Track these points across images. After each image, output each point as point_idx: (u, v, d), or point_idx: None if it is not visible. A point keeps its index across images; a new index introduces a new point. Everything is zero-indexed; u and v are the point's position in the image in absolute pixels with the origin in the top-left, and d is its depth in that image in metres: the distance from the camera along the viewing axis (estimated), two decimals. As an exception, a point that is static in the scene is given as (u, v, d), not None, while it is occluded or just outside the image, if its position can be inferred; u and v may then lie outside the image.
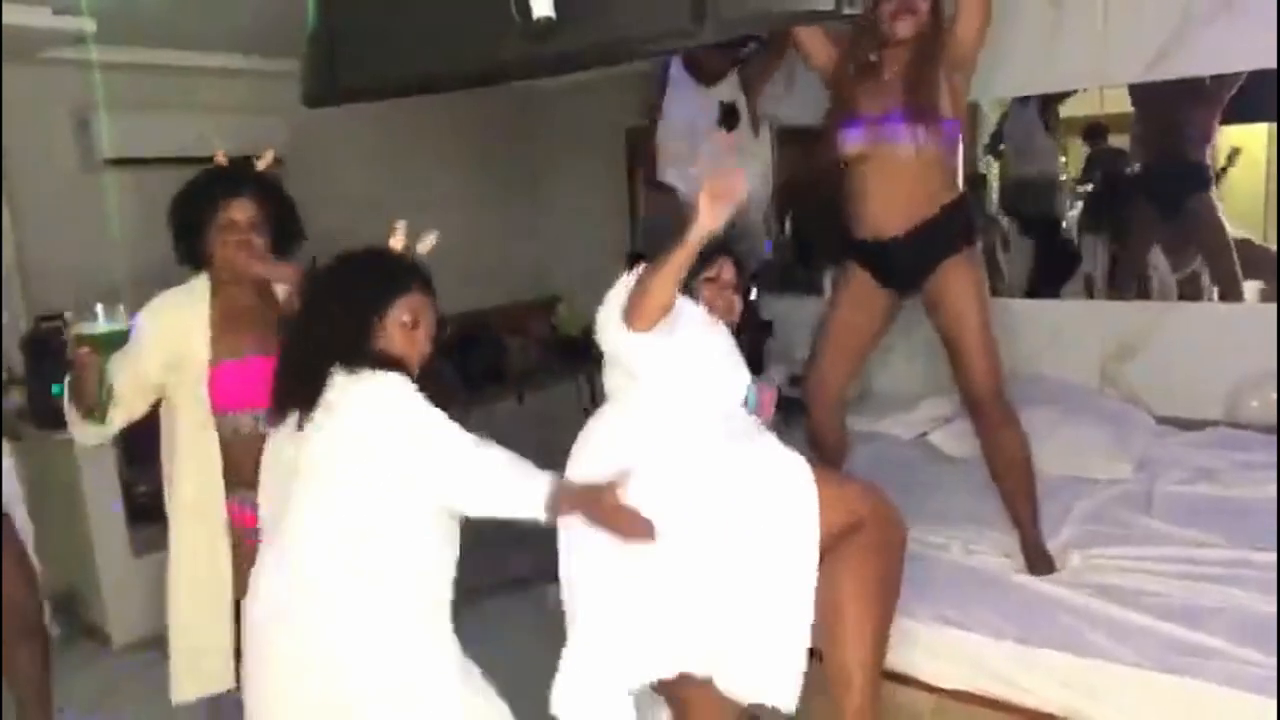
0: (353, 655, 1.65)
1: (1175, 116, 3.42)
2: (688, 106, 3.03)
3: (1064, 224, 3.83)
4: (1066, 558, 2.40)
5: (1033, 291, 3.80)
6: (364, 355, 1.72)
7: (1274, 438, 2.87)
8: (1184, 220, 3.51)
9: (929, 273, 2.41)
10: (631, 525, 1.73)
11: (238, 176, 2.11)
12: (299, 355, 1.77)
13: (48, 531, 3.32)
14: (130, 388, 2.02)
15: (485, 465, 1.70)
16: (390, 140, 4.72)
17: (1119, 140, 3.66)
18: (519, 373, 5.07)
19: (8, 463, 2.50)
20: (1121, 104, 3.55)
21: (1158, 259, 3.56)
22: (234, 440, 2.05)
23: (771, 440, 2.00)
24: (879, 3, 2.30)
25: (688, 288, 2.09)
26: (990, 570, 2.38)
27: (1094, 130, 3.70)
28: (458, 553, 1.85)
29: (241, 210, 2.06)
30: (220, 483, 2.05)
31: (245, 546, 2.03)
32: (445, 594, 1.82)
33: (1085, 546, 2.43)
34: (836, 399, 2.69)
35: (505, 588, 3.66)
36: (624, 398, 2.05)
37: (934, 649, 2.12)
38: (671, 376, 1.99)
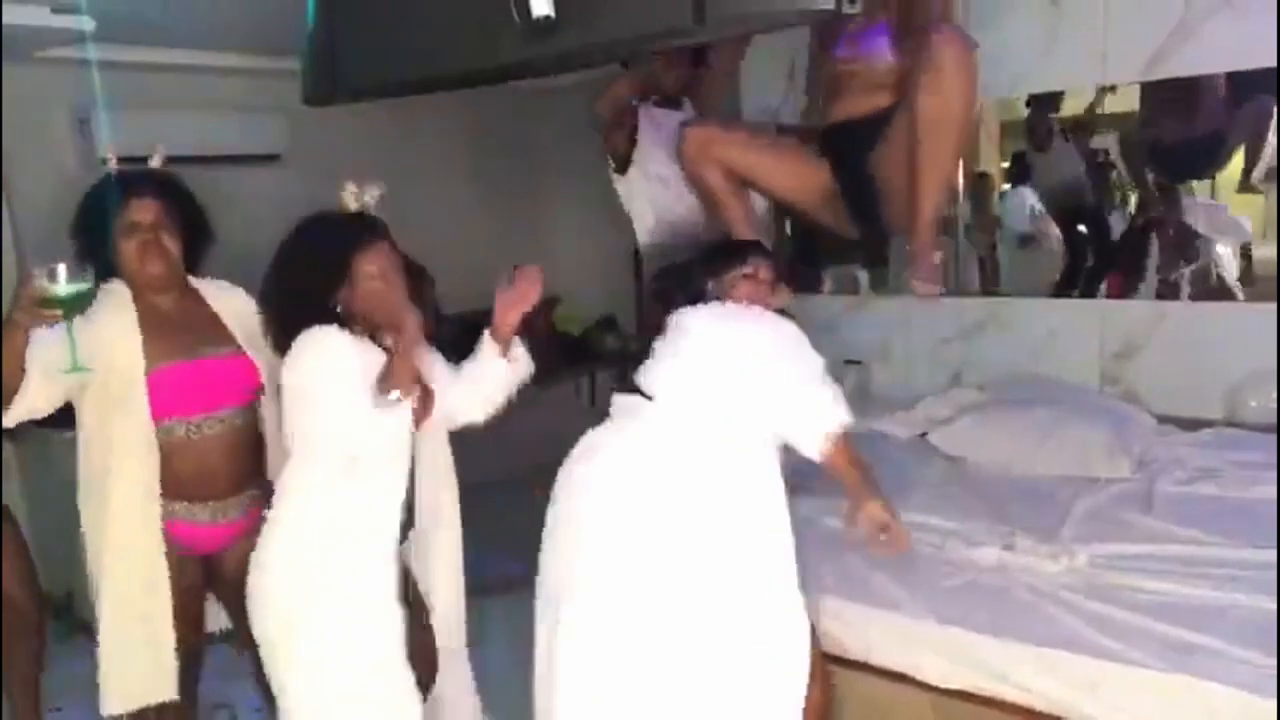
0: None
1: (1178, 114, 3.42)
2: (661, 130, 3.08)
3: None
4: (1067, 556, 2.39)
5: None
6: (330, 315, 1.86)
7: (1274, 437, 2.87)
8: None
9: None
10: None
11: (136, 177, 2.03)
12: (271, 326, 1.92)
13: (48, 530, 3.33)
14: (42, 379, 1.89)
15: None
16: (390, 140, 4.72)
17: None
18: (518, 372, 5.06)
19: None
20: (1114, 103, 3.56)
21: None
22: (169, 448, 1.99)
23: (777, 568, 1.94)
24: None
25: (719, 285, 2.10)
26: (990, 568, 2.37)
27: (1078, 129, 3.71)
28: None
29: (143, 211, 1.97)
30: (157, 493, 1.98)
31: (179, 560, 2.03)
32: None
33: (1085, 545, 2.42)
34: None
35: (505, 588, 3.66)
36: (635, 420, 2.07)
37: (934, 648, 2.12)
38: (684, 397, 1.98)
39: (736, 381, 1.91)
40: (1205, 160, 3.42)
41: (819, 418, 1.89)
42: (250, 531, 2.01)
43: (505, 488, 4.93)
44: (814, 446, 1.89)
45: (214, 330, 2.09)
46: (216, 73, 3.92)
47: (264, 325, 1.96)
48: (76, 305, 1.77)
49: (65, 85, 3.49)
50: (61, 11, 2.92)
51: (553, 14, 1.67)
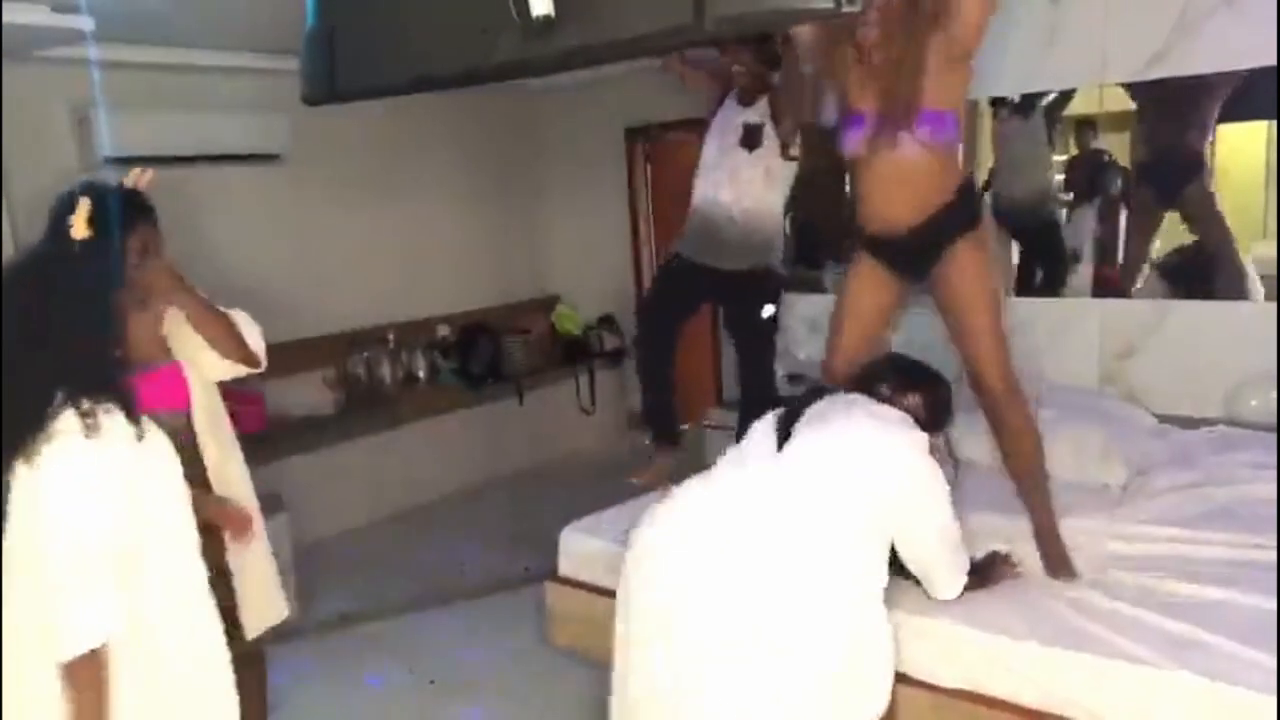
0: None
1: (1176, 113, 3.42)
2: (724, 123, 3.31)
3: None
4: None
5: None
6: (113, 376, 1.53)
7: (1274, 437, 2.87)
8: (1183, 215, 3.52)
9: (937, 259, 2.40)
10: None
11: (145, 202, 2.04)
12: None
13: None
14: None
15: None
16: (389, 139, 4.72)
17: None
18: (519, 372, 5.07)
19: None
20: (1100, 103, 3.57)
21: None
22: None
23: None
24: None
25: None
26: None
27: (1081, 129, 3.72)
28: None
29: (152, 236, 2.02)
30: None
31: None
32: None
33: (1086, 546, 2.42)
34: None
35: (505, 588, 3.67)
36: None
37: (934, 647, 2.12)
38: None
39: (888, 516, 2.01)
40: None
41: (941, 586, 2.13)
42: None
43: (504, 487, 4.95)
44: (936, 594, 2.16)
45: (157, 341, 2.10)
46: (216, 73, 3.93)
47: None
48: None
49: (65, 85, 3.49)
50: (61, 11, 2.92)
51: (552, 14, 1.67)
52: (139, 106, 3.68)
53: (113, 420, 1.48)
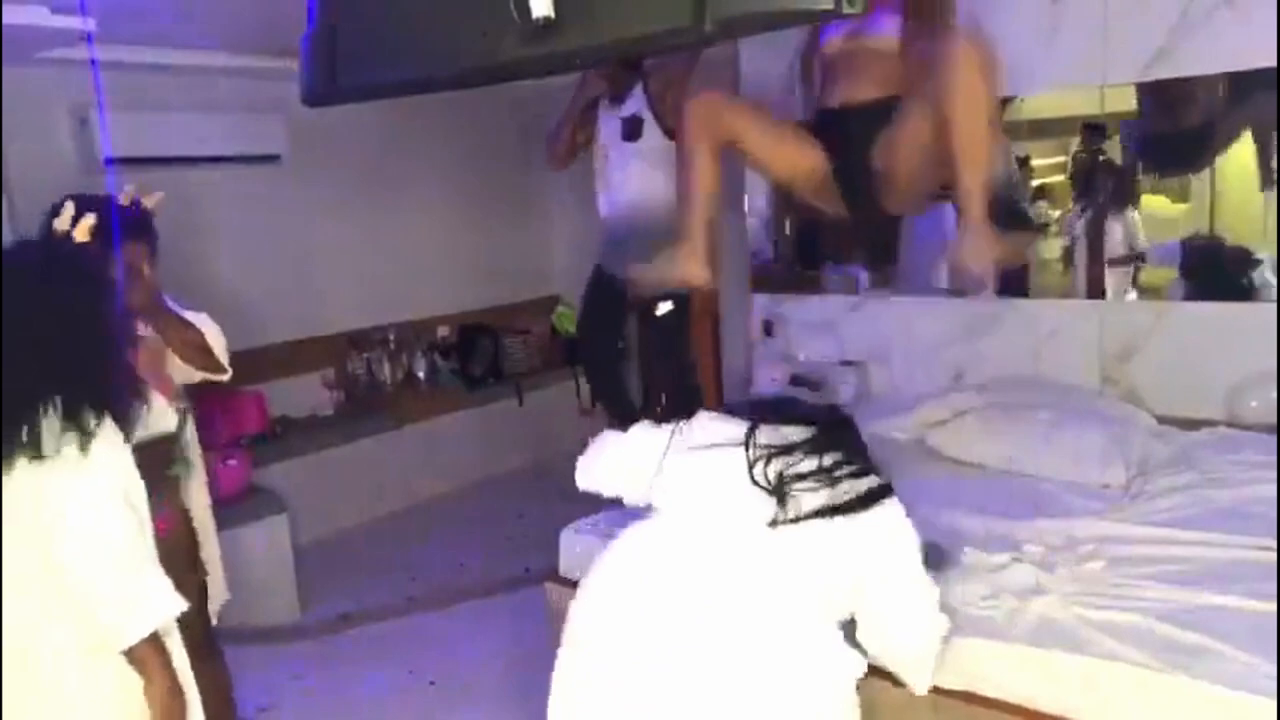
0: None
1: (1182, 113, 3.42)
2: (606, 130, 3.43)
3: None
4: (1066, 558, 2.39)
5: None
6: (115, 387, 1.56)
7: (1274, 438, 2.87)
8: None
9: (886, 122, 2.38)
10: None
11: (145, 220, 2.09)
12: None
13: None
14: None
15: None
16: (389, 140, 4.72)
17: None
18: (518, 372, 5.07)
19: None
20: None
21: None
22: None
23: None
24: None
25: None
26: (990, 569, 2.37)
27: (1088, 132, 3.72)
28: None
29: (137, 254, 2.05)
30: None
31: None
32: None
33: (1085, 547, 2.42)
34: None
35: (505, 588, 3.67)
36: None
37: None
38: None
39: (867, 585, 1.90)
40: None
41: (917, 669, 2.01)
42: None
43: (504, 487, 4.95)
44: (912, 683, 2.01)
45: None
46: (216, 73, 3.93)
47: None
48: None
49: (65, 85, 3.49)
50: (62, 12, 2.92)
51: (552, 14, 1.67)
52: (139, 107, 3.68)
53: (105, 424, 1.50)
